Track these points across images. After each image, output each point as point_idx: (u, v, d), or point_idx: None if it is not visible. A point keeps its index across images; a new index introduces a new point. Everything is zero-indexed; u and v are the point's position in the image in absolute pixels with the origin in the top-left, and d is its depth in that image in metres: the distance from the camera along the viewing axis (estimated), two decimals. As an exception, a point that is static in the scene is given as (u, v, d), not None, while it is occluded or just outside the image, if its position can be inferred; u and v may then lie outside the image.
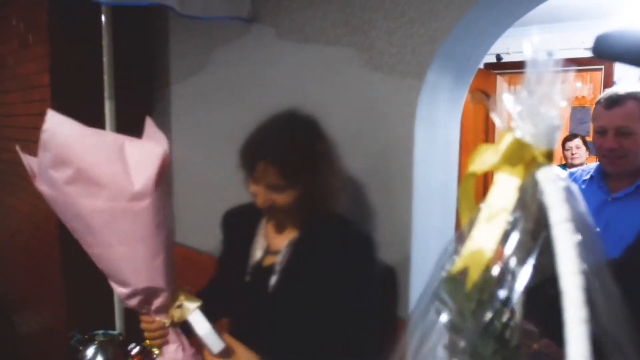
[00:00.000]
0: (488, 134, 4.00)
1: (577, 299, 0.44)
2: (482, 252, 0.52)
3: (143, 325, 1.17)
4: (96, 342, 1.97)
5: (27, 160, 1.01)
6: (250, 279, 1.27)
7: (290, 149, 1.17)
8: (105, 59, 2.14)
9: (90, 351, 1.94)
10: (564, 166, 3.73)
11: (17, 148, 1.00)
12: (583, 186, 1.64)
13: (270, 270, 1.24)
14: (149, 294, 1.07)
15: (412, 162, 1.44)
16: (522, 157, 0.52)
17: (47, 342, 2.50)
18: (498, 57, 4.55)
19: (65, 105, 2.19)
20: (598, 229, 1.50)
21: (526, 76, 0.51)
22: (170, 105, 2.36)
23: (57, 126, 0.92)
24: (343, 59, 1.59)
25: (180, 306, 1.11)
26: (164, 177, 1.02)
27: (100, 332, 2.01)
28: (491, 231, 0.52)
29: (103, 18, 2.13)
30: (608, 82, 4.11)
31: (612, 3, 3.20)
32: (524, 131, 0.51)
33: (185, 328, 1.17)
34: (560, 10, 3.62)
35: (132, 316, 2.18)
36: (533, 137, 0.51)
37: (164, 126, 2.37)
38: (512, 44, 4.12)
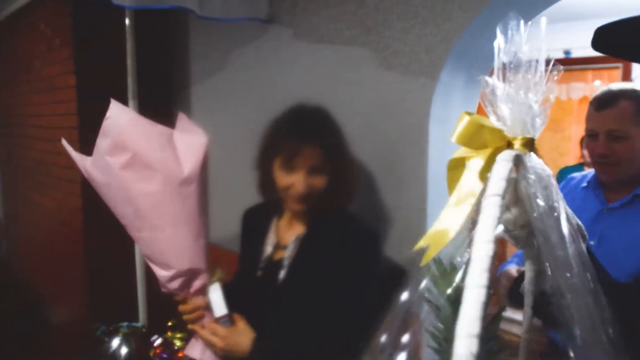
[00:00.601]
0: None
1: (481, 265, 0.44)
2: (446, 232, 0.55)
3: (181, 308, 1.21)
4: (120, 334, 2.04)
5: (73, 152, 1.07)
6: (261, 273, 1.31)
7: (329, 131, 1.23)
8: (128, 61, 2.21)
9: (115, 342, 2.02)
10: (582, 165, 3.70)
11: (63, 141, 1.06)
12: (581, 194, 1.50)
13: (279, 264, 1.27)
14: (190, 275, 1.13)
15: (427, 161, 1.47)
16: (482, 140, 0.54)
17: (72, 333, 2.58)
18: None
19: (89, 105, 2.29)
20: (592, 243, 1.36)
21: (498, 63, 0.52)
22: (191, 106, 2.42)
23: (118, 114, 1.00)
24: (358, 58, 1.62)
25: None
26: (206, 164, 1.10)
27: (124, 324, 2.09)
28: (457, 214, 0.54)
29: (127, 21, 2.20)
30: (627, 80, 4.06)
31: (631, 1, 3.17)
32: (498, 116, 0.53)
33: None
34: (579, 9, 3.60)
35: (154, 309, 2.25)
36: (507, 123, 0.53)
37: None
38: (529, 42, 4.09)
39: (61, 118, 2.51)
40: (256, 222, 1.40)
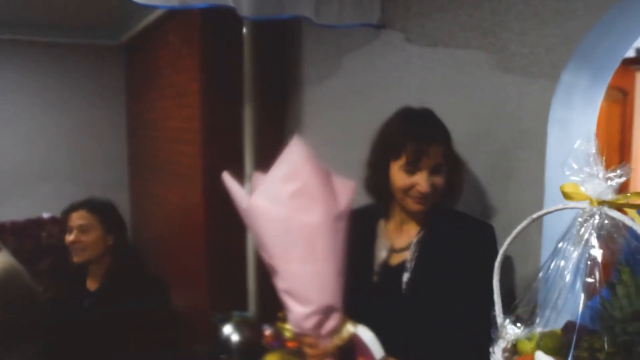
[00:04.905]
0: (624, 134, 3.65)
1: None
2: None
3: (310, 352, 1.19)
4: (232, 322, 2.19)
5: (235, 186, 1.14)
6: (378, 279, 1.32)
7: (446, 130, 1.28)
8: (245, 68, 2.37)
9: (227, 329, 2.17)
10: None
11: (225, 174, 1.12)
12: None
13: (400, 268, 1.28)
14: (327, 313, 1.14)
15: (544, 165, 1.42)
16: None
17: (191, 319, 2.80)
18: (639, 51, 4.13)
19: (211, 109, 2.48)
20: None
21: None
22: (302, 109, 2.53)
23: (296, 147, 1.11)
24: (472, 61, 1.60)
25: (345, 329, 1.18)
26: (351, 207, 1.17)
27: (236, 313, 2.24)
28: None
29: (244, 30, 2.35)
30: None
31: None
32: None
33: None
34: None
35: (263, 301, 2.37)
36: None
37: (296, 129, 2.54)
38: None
39: (186, 121, 2.74)
40: (359, 228, 1.39)
